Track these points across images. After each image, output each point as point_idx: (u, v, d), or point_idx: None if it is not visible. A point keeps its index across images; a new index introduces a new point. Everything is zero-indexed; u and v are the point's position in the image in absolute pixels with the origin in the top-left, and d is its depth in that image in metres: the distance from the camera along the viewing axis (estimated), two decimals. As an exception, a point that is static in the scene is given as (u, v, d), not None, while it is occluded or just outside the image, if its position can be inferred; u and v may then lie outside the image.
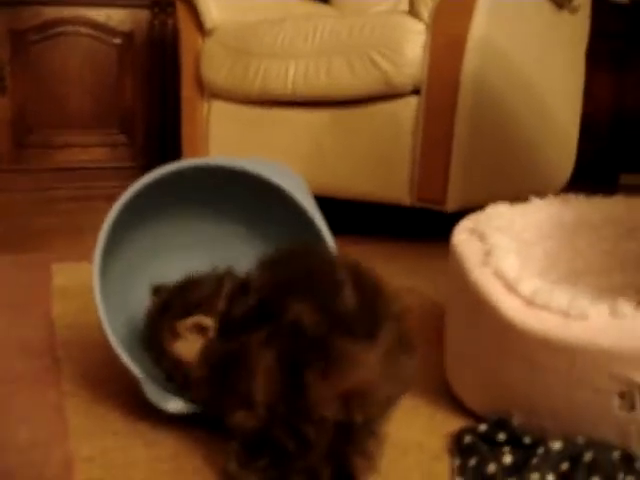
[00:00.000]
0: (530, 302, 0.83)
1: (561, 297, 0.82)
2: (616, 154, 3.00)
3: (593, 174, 2.38)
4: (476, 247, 0.92)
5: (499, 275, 0.86)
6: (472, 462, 0.83)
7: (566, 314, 0.80)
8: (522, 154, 2.10)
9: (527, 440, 0.86)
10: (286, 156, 2.07)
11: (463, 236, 0.97)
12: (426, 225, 2.23)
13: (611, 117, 3.12)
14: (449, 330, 1.00)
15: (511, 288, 0.85)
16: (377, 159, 1.97)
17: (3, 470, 0.80)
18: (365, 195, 2.02)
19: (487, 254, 0.89)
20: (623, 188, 2.91)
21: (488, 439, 0.88)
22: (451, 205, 1.90)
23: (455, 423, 0.94)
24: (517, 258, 0.89)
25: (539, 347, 0.81)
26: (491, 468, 0.81)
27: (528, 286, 0.84)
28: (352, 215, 2.28)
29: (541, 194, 2.19)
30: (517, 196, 2.15)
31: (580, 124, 2.35)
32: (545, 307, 0.82)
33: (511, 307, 0.84)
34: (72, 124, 2.67)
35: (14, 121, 2.59)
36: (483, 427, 0.90)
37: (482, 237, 0.94)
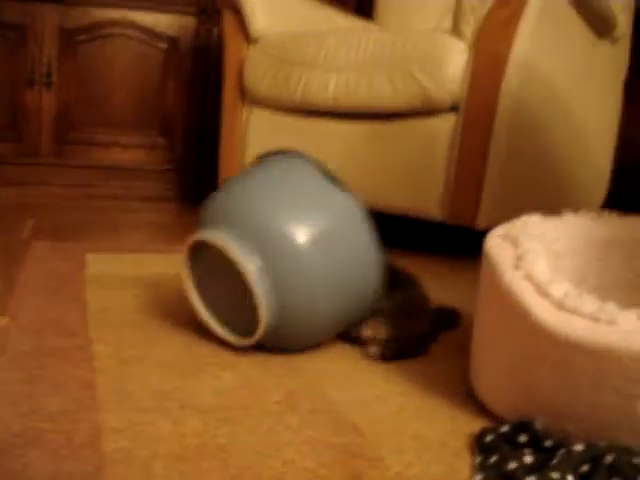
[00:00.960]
0: (560, 305, 0.84)
1: (591, 302, 0.83)
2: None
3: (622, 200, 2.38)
4: (509, 252, 0.93)
5: (530, 278, 0.87)
6: (493, 459, 0.84)
7: (595, 318, 0.81)
8: (555, 177, 2.10)
9: (548, 443, 0.87)
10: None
11: (496, 242, 0.98)
12: (456, 241, 2.24)
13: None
14: (477, 333, 1.01)
15: (542, 291, 0.86)
16: (412, 174, 1.99)
17: (33, 435, 0.82)
18: (398, 208, 2.03)
19: (519, 258, 0.90)
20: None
21: (509, 440, 0.89)
22: (482, 223, 1.91)
23: (477, 424, 0.95)
24: (548, 263, 0.90)
25: (567, 350, 0.82)
26: (511, 465, 0.81)
27: (559, 290, 0.85)
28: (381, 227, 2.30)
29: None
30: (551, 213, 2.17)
31: (614, 157, 2.36)
32: (575, 311, 0.83)
33: (542, 310, 0.85)
34: (114, 124, 2.72)
35: (58, 117, 2.65)
36: (505, 428, 0.90)
37: (515, 242, 0.95)
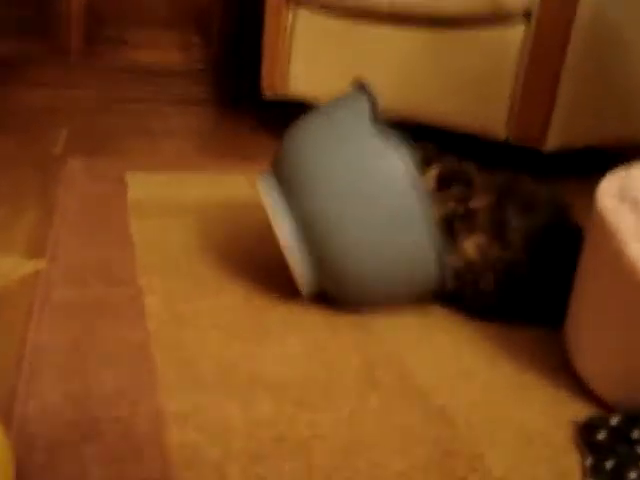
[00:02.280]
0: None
1: None
2: None
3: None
4: (630, 218, 0.80)
5: (661, 256, 0.75)
6: (609, 464, 0.73)
7: None
8: (628, 99, 1.93)
9: (668, 442, 0.76)
10: (373, 75, 1.92)
11: (612, 202, 0.84)
12: (519, 162, 2.09)
13: None
14: (580, 304, 0.89)
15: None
16: (474, 87, 1.82)
17: (89, 423, 0.73)
18: (457, 125, 1.88)
19: (647, 229, 0.77)
20: None
21: (620, 435, 0.78)
22: (550, 145, 1.76)
23: (578, 408, 0.85)
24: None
25: None
26: (632, 475, 0.71)
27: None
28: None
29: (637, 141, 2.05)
30: (616, 142, 2.02)
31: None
32: None
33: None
34: (146, 21, 2.54)
35: (86, 14, 2.47)
36: (615, 420, 0.80)
37: (636, 206, 0.81)
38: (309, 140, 0.97)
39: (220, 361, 0.87)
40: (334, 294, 1.00)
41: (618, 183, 0.89)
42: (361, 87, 1.01)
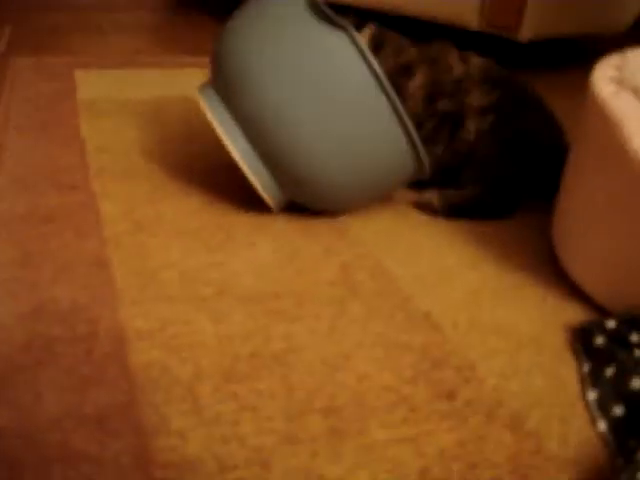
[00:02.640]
0: None
1: None
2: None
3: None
4: (635, 107, 0.73)
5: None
6: (609, 371, 0.68)
7: None
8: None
9: (667, 345, 0.72)
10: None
11: (610, 88, 0.77)
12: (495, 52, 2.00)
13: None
14: (570, 202, 0.83)
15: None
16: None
17: (43, 346, 0.66)
18: (428, 14, 1.77)
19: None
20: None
21: (618, 339, 0.73)
22: (525, 34, 1.68)
23: (571, 311, 0.80)
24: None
25: None
26: (636, 383, 0.66)
27: None
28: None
29: (611, 29, 1.96)
30: (591, 30, 1.93)
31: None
32: None
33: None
34: None
35: None
36: (612, 324, 0.75)
37: (638, 93, 0.74)
38: (246, 36, 0.86)
39: (185, 271, 0.80)
40: (304, 202, 0.92)
41: (614, 68, 0.82)
42: None
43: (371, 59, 0.80)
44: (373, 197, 0.93)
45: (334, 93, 0.81)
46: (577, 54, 2.14)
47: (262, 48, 0.83)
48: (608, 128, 0.74)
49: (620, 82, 0.78)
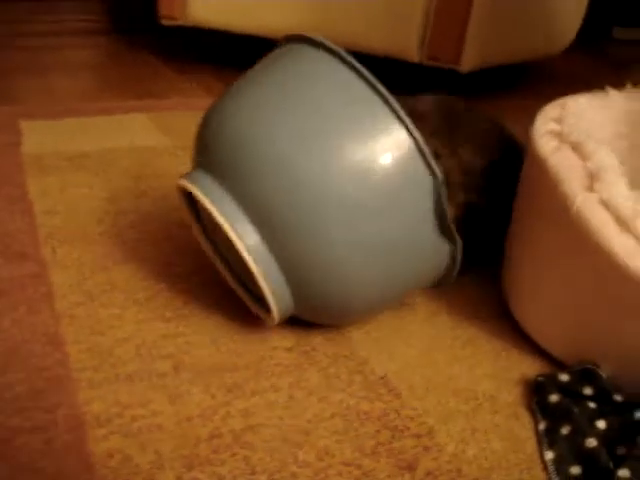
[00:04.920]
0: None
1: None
2: (609, 7, 2.81)
3: (588, 28, 2.19)
4: (574, 163, 0.75)
5: (609, 206, 0.70)
6: (565, 430, 0.70)
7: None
8: (536, 9, 1.88)
9: (618, 398, 0.74)
10: (283, 4, 1.82)
11: (551, 144, 0.79)
12: (438, 83, 2.03)
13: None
14: (522, 252, 0.85)
15: (626, 225, 0.69)
16: (385, 7, 1.74)
17: (3, 436, 0.65)
18: (367, 46, 1.79)
19: (593, 178, 0.72)
20: (616, 42, 2.77)
21: (571, 392, 0.75)
22: (466, 65, 1.71)
23: (526, 364, 0.81)
24: (627, 183, 0.72)
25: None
26: (590, 442, 0.68)
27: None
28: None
29: (551, 51, 2.00)
30: (531, 55, 1.97)
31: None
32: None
33: (625, 249, 0.68)
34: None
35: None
36: (565, 377, 0.76)
37: (579, 150, 0.76)
38: (253, 108, 0.71)
39: (141, 344, 0.79)
40: (310, 317, 0.80)
41: (555, 120, 0.84)
42: (300, 38, 0.76)
43: (430, 159, 0.70)
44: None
45: (377, 193, 0.69)
46: (520, 76, 2.18)
47: (282, 118, 0.70)
48: (550, 185, 0.75)
49: (560, 136, 0.79)
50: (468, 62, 1.70)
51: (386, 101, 0.69)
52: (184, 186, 0.76)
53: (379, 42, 1.79)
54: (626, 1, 2.84)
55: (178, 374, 0.75)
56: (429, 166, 0.69)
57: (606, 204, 0.70)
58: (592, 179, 0.72)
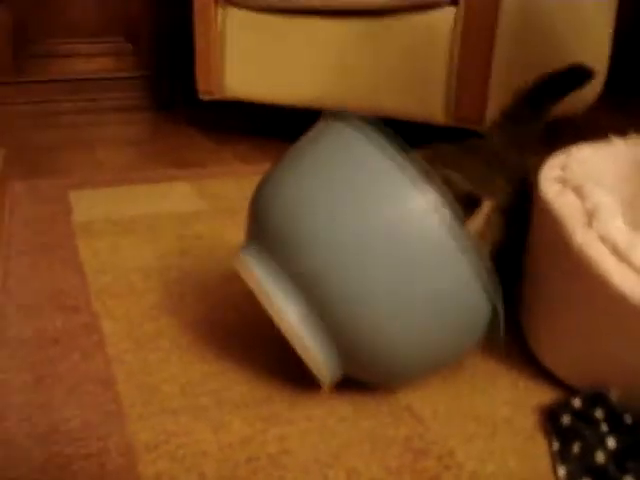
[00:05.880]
0: (645, 274, 0.73)
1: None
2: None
3: (624, 84, 2.26)
4: (575, 204, 0.82)
5: (607, 241, 0.77)
6: (575, 448, 0.75)
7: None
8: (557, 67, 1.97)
9: (628, 420, 0.79)
10: (308, 70, 1.94)
11: (555, 188, 0.86)
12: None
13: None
14: (530, 291, 0.91)
15: (622, 257, 0.75)
16: (409, 74, 1.84)
17: (61, 462, 0.72)
18: (398, 113, 1.89)
19: (591, 215, 0.79)
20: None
21: (583, 416, 0.80)
22: (488, 124, 1.79)
23: (541, 393, 0.87)
24: (624, 221, 0.79)
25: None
26: (600, 457, 0.73)
27: (642, 255, 0.75)
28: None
29: (574, 109, 2.08)
30: (553, 114, 2.05)
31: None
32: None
33: (623, 279, 0.74)
34: (75, 33, 2.50)
35: (14, 30, 2.42)
36: (577, 402, 0.82)
37: (579, 192, 0.83)
38: (302, 188, 0.74)
39: (185, 383, 0.87)
40: (361, 377, 0.83)
41: (559, 168, 0.91)
42: (340, 116, 0.79)
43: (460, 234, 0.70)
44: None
45: (416, 266, 0.71)
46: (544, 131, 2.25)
47: (329, 206, 0.72)
48: (554, 226, 0.82)
49: (564, 181, 0.87)
50: (489, 122, 1.78)
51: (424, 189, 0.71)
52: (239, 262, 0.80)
53: (405, 108, 1.89)
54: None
55: (220, 407, 0.82)
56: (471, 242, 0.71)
57: (603, 239, 0.77)
58: (590, 217, 0.79)
